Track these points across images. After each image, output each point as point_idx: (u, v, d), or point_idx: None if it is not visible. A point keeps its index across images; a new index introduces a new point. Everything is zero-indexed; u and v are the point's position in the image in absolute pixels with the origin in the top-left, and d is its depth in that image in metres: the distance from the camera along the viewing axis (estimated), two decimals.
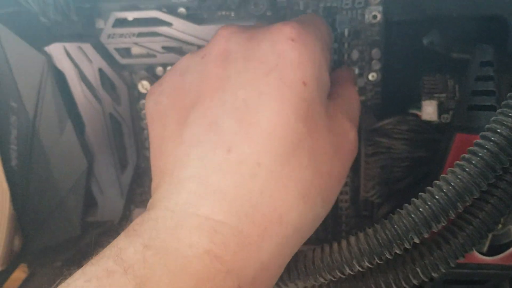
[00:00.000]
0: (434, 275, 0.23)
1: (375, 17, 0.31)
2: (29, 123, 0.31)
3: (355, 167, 0.32)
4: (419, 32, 0.32)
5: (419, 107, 0.30)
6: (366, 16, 0.31)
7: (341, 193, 0.33)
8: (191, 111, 0.22)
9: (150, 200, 0.22)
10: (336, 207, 0.33)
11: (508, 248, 0.28)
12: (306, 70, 0.22)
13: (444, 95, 0.30)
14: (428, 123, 0.30)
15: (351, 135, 0.25)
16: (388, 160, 0.31)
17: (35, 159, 0.31)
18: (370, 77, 0.32)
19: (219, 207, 0.20)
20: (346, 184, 0.33)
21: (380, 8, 0.31)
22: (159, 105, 0.24)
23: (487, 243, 0.27)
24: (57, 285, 0.18)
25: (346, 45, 0.31)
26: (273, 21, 0.31)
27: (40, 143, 0.31)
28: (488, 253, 0.27)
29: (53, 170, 0.31)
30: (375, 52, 0.32)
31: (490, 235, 0.27)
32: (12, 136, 0.31)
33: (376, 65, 0.32)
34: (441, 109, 0.30)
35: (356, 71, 0.32)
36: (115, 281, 0.17)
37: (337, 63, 0.31)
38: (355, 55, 0.32)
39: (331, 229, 0.34)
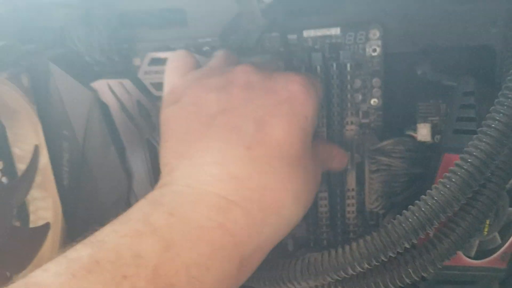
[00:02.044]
0: (424, 275, 0.27)
1: (374, 50, 0.36)
2: (79, 148, 0.36)
3: (360, 182, 0.37)
4: (415, 62, 0.36)
5: (415, 129, 0.34)
6: (367, 50, 0.36)
7: (348, 205, 0.37)
8: (215, 118, 0.27)
9: (166, 178, 0.27)
10: (343, 217, 0.37)
11: (494, 252, 0.32)
12: (309, 109, 0.28)
13: (437, 118, 0.34)
14: (423, 143, 0.34)
15: (319, 175, 0.31)
16: (389, 176, 0.35)
17: (83, 179, 0.36)
18: (372, 102, 0.37)
19: (235, 190, 0.25)
20: (352, 197, 0.37)
21: (379, 42, 0.36)
22: (183, 110, 0.29)
23: (475, 248, 0.31)
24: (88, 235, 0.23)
25: (348, 76, 0.35)
26: (284, 56, 0.36)
27: (88, 165, 0.36)
28: (476, 257, 0.31)
29: (99, 188, 0.37)
30: (376, 81, 0.36)
31: (477, 241, 0.31)
32: (65, 159, 0.36)
33: (377, 92, 0.37)
34: (434, 131, 0.34)
35: (360, 97, 0.37)
36: (144, 240, 0.22)
37: (342, 91, 0.36)
38: (358, 84, 0.36)
39: (340, 237, 0.38)
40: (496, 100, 0.26)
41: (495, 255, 0.31)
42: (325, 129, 0.36)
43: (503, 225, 0.31)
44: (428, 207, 0.25)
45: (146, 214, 0.24)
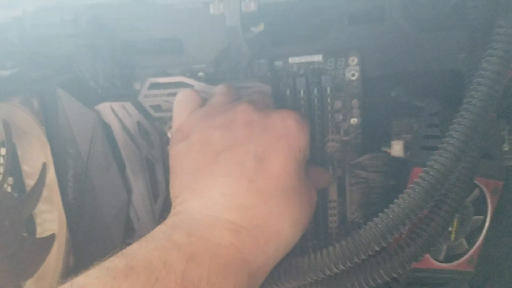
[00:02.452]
0: (394, 275, 0.30)
1: (353, 75, 0.39)
2: (83, 165, 0.39)
3: (342, 194, 0.40)
4: (389, 85, 0.40)
5: (389, 146, 0.38)
6: (346, 75, 0.40)
7: (330, 215, 0.40)
8: (220, 154, 0.31)
9: (178, 208, 0.31)
10: (326, 227, 0.41)
11: (462, 257, 0.35)
12: (302, 142, 0.32)
13: (409, 135, 0.38)
14: (397, 158, 0.37)
15: (314, 194, 0.35)
16: (367, 188, 0.38)
17: (86, 193, 0.40)
18: (352, 121, 0.40)
19: (242, 216, 0.29)
20: (334, 208, 0.40)
21: (357, 68, 0.39)
22: (191, 148, 0.32)
23: (443, 253, 0.34)
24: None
25: (329, 99, 0.39)
26: (271, 80, 0.40)
27: (91, 181, 0.39)
28: (445, 261, 0.34)
29: (101, 202, 0.40)
30: (355, 102, 0.40)
31: (445, 246, 0.34)
32: (69, 175, 0.39)
33: (356, 112, 0.40)
34: (407, 147, 0.37)
35: (341, 117, 0.40)
36: (170, 252, 0.26)
37: (324, 112, 0.40)
38: (338, 105, 0.40)
39: (324, 245, 0.41)
40: (454, 120, 0.29)
41: (462, 259, 0.35)
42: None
43: (469, 232, 0.35)
44: (394, 214, 0.28)
45: (168, 234, 0.28)
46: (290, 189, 0.30)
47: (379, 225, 0.29)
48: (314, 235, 0.41)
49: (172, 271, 0.25)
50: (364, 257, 0.29)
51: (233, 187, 0.30)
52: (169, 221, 0.30)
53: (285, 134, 0.31)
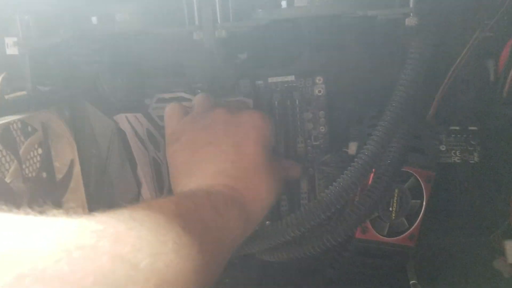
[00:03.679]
0: (339, 240, 0.38)
1: (320, 91, 0.49)
2: (103, 163, 0.49)
3: (312, 187, 0.49)
4: (348, 99, 0.49)
5: (347, 147, 0.47)
6: (315, 91, 0.49)
7: (301, 205, 0.49)
8: (207, 147, 0.41)
9: (181, 188, 0.40)
10: None
11: (403, 233, 0.43)
12: (267, 132, 0.42)
13: (362, 139, 0.47)
14: (353, 156, 0.46)
15: (281, 177, 0.43)
16: (330, 181, 0.47)
17: (105, 186, 0.49)
18: (320, 129, 0.50)
19: (232, 182, 0.38)
20: (305, 198, 0.49)
21: (323, 86, 0.49)
22: (184, 146, 0.42)
23: (386, 229, 0.42)
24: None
25: (298, 109, 0.48)
26: (253, 95, 0.49)
27: (108, 176, 0.49)
28: (388, 236, 0.42)
29: (116, 193, 0.49)
30: (322, 113, 0.49)
31: (387, 224, 0.42)
32: (91, 170, 0.49)
33: (323, 121, 0.49)
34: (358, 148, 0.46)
35: (311, 126, 0.50)
36: (195, 199, 0.35)
37: (295, 120, 0.49)
38: (309, 115, 0.49)
39: None
40: (379, 122, 0.38)
41: (403, 235, 0.43)
42: (283, 146, 0.49)
43: (409, 213, 0.43)
44: (335, 189, 0.37)
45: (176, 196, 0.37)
46: (262, 165, 0.40)
47: (324, 198, 0.37)
48: None
49: (199, 196, 0.35)
50: (314, 224, 0.37)
51: (220, 166, 0.39)
52: (178, 195, 0.39)
53: (254, 127, 0.41)
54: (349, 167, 0.37)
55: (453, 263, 0.45)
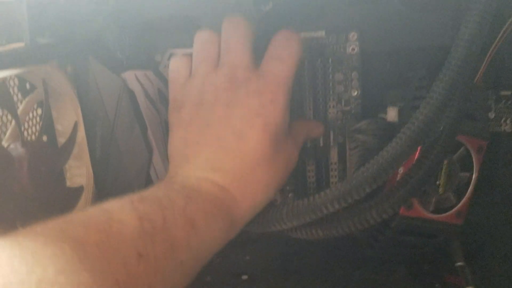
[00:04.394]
0: (385, 217, 0.34)
1: (353, 49, 0.43)
2: (110, 126, 0.44)
3: (342, 158, 0.44)
4: (386, 58, 0.44)
5: (385, 112, 0.42)
6: (347, 49, 0.44)
7: (331, 176, 0.44)
8: (205, 128, 0.36)
9: (172, 171, 0.37)
10: (328, 187, 0.44)
11: (450, 210, 0.39)
12: (278, 118, 0.36)
13: (402, 104, 0.42)
14: (392, 123, 0.41)
15: (295, 154, 0.39)
16: (365, 151, 0.42)
17: (112, 152, 0.44)
18: (352, 93, 0.44)
19: (222, 178, 0.35)
20: (335, 170, 0.44)
21: (357, 43, 0.43)
22: (183, 120, 0.38)
23: (432, 205, 0.38)
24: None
25: (330, 69, 0.43)
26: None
27: (116, 141, 0.44)
28: (434, 212, 0.38)
29: (125, 160, 0.44)
30: (355, 74, 0.44)
31: (434, 199, 0.38)
32: (97, 135, 0.44)
33: (356, 84, 0.44)
34: (400, 113, 0.41)
35: (342, 88, 0.44)
36: (173, 194, 0.32)
37: (326, 82, 0.44)
38: (340, 77, 0.44)
39: None
40: (434, 83, 0.33)
41: (451, 212, 0.38)
42: (312, 112, 0.43)
43: (457, 188, 0.38)
44: (383, 159, 0.32)
45: (168, 186, 0.34)
46: (265, 161, 0.35)
47: (369, 170, 0.32)
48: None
49: (176, 204, 0.31)
50: (357, 198, 0.33)
51: (213, 155, 0.35)
52: (166, 179, 0.36)
53: (262, 112, 0.35)
54: (400, 134, 0.32)
55: (502, 242, 0.41)
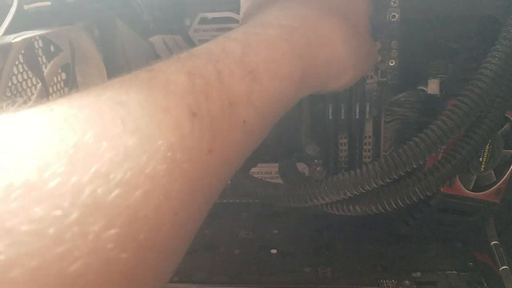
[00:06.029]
0: (428, 194, 0.32)
1: (394, 16, 0.41)
2: None
3: (376, 132, 0.43)
4: (428, 28, 0.41)
5: (426, 85, 0.40)
6: (387, 16, 0.41)
7: (365, 150, 0.43)
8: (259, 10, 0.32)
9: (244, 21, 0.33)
10: (361, 162, 0.43)
11: (489, 188, 0.37)
12: (365, 13, 0.35)
13: (444, 75, 0.40)
14: (432, 96, 0.39)
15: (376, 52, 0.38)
16: (402, 124, 0.41)
17: None
18: (389, 63, 0.42)
19: (295, 21, 0.30)
20: (369, 143, 0.43)
21: (398, 9, 0.41)
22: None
23: (472, 183, 0.36)
24: None
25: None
26: None
27: None
28: (474, 190, 0.37)
29: None
30: (394, 43, 0.42)
31: (474, 177, 0.36)
32: None
33: (394, 54, 0.42)
34: (442, 86, 0.39)
35: (379, 58, 0.42)
36: (228, 43, 0.27)
37: None
38: (378, 45, 0.42)
39: None
40: (489, 54, 0.31)
41: (490, 189, 0.37)
42: None
43: (498, 165, 0.37)
44: (432, 135, 0.30)
45: (225, 36, 0.28)
46: (345, 16, 0.32)
47: (416, 145, 0.31)
48: (348, 170, 0.43)
49: (232, 55, 0.26)
50: (402, 173, 0.31)
51: (288, 4, 0.31)
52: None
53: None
54: (452, 107, 0.31)
55: None
